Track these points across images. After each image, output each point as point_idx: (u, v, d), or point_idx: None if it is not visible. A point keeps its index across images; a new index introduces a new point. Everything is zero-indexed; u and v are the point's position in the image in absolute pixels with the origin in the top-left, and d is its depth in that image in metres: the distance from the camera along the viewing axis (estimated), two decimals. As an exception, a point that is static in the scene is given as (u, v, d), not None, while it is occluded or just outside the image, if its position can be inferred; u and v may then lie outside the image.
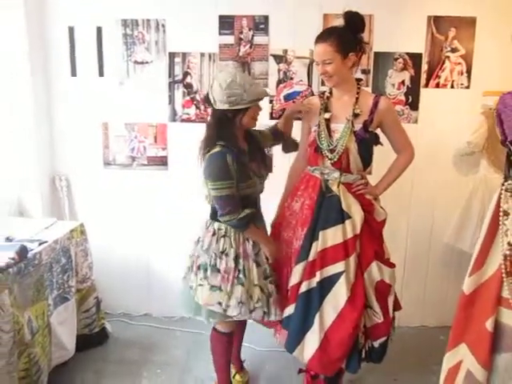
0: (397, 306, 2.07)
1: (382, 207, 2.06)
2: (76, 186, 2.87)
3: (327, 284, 1.90)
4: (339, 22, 2.41)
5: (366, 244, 1.94)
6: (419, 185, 2.75)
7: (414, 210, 2.80)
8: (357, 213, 1.93)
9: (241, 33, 2.65)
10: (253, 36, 2.65)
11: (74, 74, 2.74)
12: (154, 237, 2.91)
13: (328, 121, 1.99)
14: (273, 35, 2.65)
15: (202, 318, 1.98)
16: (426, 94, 2.71)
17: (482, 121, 2.56)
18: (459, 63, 2.67)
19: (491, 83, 2.59)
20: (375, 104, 1.95)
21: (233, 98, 1.79)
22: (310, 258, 1.94)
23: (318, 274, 1.91)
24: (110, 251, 2.87)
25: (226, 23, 2.64)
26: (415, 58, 2.66)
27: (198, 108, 2.75)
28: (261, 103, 1.93)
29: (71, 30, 2.69)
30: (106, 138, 2.81)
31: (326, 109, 2.02)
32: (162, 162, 2.82)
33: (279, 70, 2.69)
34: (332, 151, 1.95)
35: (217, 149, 1.83)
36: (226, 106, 1.81)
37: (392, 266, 2.02)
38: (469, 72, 2.68)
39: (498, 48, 2.61)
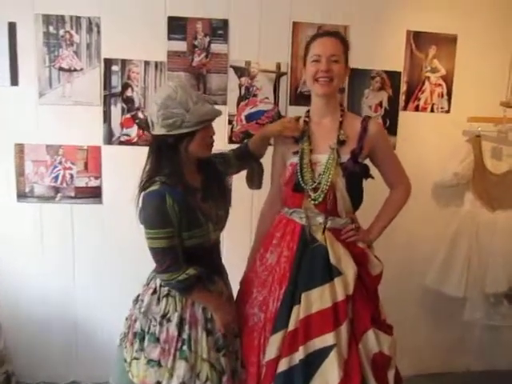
0: (398, 381, 1.71)
1: (376, 256, 1.72)
2: (-19, 223, 2.32)
3: (313, 361, 1.51)
4: (312, 31, 2.19)
5: (361, 306, 1.58)
6: (397, 219, 2.44)
7: (391, 247, 2.48)
8: (349, 267, 1.57)
9: (195, 38, 2.26)
10: (209, 43, 2.27)
11: (-23, 81, 2.20)
12: (84, 288, 2.41)
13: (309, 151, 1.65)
14: (233, 43, 2.29)
15: None
16: (405, 118, 2.45)
17: (468, 149, 2.34)
18: (439, 85, 2.45)
19: (472, 108, 2.44)
20: (364, 128, 1.64)
21: (170, 121, 1.43)
22: (291, 326, 1.55)
23: (301, 348, 1.52)
24: (25, 307, 2.37)
25: (177, 26, 2.24)
26: (393, 77, 2.41)
27: (140, 128, 2.29)
28: (214, 125, 1.53)
29: (-26, 25, 2.15)
30: (20, 163, 2.28)
31: (307, 136, 1.67)
32: (95, 194, 2.34)
33: (241, 85, 2.32)
34: (315, 190, 1.60)
35: (155, 187, 1.46)
36: (162, 131, 1.44)
37: (391, 332, 1.66)
38: (449, 95, 2.46)
39: (480, 70, 2.45)
